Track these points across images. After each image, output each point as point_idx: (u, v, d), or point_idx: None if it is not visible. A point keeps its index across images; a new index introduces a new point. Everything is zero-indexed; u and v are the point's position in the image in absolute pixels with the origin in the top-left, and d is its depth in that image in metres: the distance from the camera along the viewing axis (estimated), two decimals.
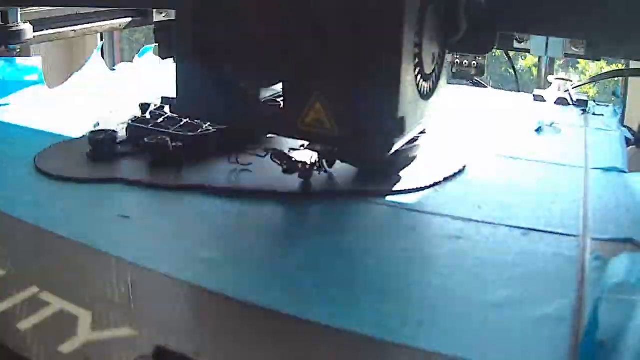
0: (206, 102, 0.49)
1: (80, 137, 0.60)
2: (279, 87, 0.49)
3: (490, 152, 0.59)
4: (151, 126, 0.57)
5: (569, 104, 0.78)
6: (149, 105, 0.63)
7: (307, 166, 0.50)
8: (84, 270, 0.38)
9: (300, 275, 0.38)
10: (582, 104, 0.77)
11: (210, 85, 0.48)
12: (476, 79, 0.93)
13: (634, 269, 0.31)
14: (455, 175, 0.53)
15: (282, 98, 0.47)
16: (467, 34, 0.51)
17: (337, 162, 0.52)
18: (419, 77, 0.46)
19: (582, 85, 1.12)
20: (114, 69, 0.94)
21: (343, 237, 0.43)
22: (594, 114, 0.75)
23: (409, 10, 0.42)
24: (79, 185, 0.51)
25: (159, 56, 0.92)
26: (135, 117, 0.60)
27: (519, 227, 0.44)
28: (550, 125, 0.68)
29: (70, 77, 0.86)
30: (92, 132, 0.57)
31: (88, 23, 0.92)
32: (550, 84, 0.83)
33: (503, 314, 0.34)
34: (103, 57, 1.05)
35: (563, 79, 0.86)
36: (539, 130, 0.67)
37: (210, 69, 0.47)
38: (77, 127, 0.63)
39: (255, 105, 0.48)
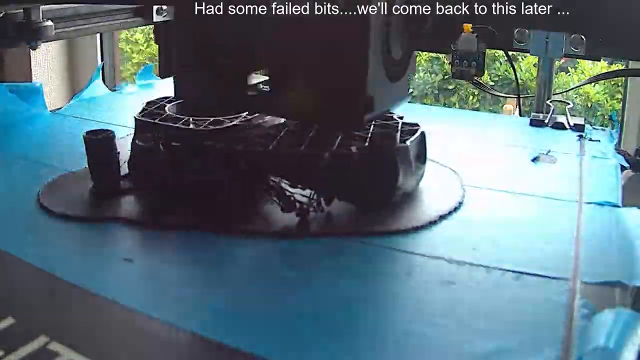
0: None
1: (84, 168, 0.61)
2: None
3: (487, 185, 0.60)
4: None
5: (566, 129, 0.79)
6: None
7: (305, 205, 0.51)
8: (93, 319, 0.40)
9: (295, 323, 0.39)
10: (579, 129, 0.78)
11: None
12: (476, 79, 0.94)
13: (613, 332, 0.32)
14: (451, 212, 0.54)
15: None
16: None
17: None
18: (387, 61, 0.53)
19: (582, 85, 1.12)
20: (114, 89, 0.95)
21: (339, 282, 0.44)
22: (590, 139, 0.76)
23: None
24: (83, 224, 0.52)
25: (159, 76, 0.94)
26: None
27: (511, 271, 0.45)
28: (547, 154, 0.69)
29: (70, 99, 0.88)
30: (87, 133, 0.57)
31: (88, 24, 0.93)
32: (550, 107, 0.84)
33: None
34: (103, 79, 1.07)
35: (561, 101, 0.86)
36: (535, 160, 0.68)
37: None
38: (80, 156, 0.64)
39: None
